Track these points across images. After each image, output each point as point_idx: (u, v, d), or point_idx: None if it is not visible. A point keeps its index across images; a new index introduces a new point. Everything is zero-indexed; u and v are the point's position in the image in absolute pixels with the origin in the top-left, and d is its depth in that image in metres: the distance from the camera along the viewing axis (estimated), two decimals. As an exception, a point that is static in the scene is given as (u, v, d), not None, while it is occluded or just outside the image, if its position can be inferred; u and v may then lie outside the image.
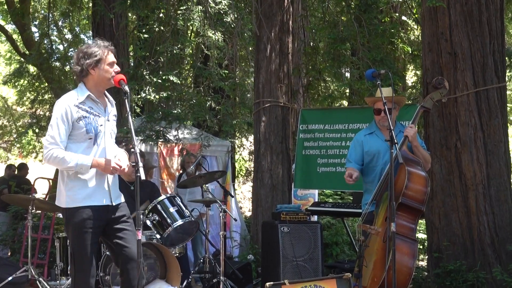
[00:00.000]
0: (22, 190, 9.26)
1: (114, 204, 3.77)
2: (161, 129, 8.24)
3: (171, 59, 8.22)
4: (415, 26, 10.51)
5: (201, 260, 6.04)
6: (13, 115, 18.42)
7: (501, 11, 6.10)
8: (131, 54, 11.37)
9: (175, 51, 8.07)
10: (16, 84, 14.78)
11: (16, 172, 10.77)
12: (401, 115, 5.88)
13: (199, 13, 8.01)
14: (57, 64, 11.92)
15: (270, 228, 6.16)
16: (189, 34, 10.44)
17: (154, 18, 8.18)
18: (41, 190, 9.83)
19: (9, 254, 8.52)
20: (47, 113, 13.85)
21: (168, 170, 9.21)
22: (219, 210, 5.75)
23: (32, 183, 9.66)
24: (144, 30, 8.22)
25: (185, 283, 5.72)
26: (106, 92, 3.86)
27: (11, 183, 9.83)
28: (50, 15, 12.20)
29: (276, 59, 7.98)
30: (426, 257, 6.89)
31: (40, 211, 7.16)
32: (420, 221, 5.77)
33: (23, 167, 11.11)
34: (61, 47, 13.47)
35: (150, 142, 8.49)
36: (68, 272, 5.28)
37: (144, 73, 7.84)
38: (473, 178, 5.73)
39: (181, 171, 7.93)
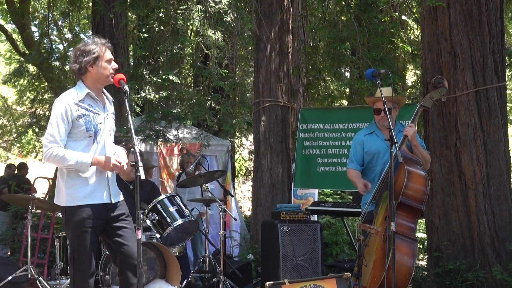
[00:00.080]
0: (22, 190, 9.26)
1: (113, 201, 3.77)
2: (161, 128, 8.25)
3: (171, 58, 8.23)
4: (415, 26, 10.51)
5: (201, 260, 6.04)
6: (13, 114, 18.45)
7: (501, 10, 6.10)
8: (131, 53, 11.37)
9: (175, 51, 8.07)
10: (16, 83, 14.80)
11: (16, 172, 10.78)
12: (401, 114, 5.89)
13: (199, 13, 8.02)
14: (57, 63, 11.93)
15: (270, 228, 6.16)
16: (189, 34, 10.44)
17: (154, 17, 8.19)
18: (41, 189, 9.83)
19: (9, 253, 8.52)
20: (47, 113, 13.86)
21: (168, 169, 9.22)
22: (219, 210, 5.75)
23: (32, 183, 9.66)
24: (144, 30, 8.22)
25: (184, 282, 5.72)
26: (104, 89, 3.86)
27: (11, 183, 9.84)
28: (50, 14, 12.21)
29: (276, 58, 7.98)
30: (426, 256, 6.89)
31: (40, 211, 7.16)
32: (420, 220, 5.78)
33: (23, 167, 11.12)
34: (61, 46, 13.49)
35: (150, 142, 8.49)
36: (68, 272, 5.28)
37: (144, 72, 7.84)
38: (473, 177, 5.73)
39: (180, 171, 7.93)
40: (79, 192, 3.64)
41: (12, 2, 13.15)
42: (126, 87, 3.66)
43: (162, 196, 5.54)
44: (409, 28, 10.79)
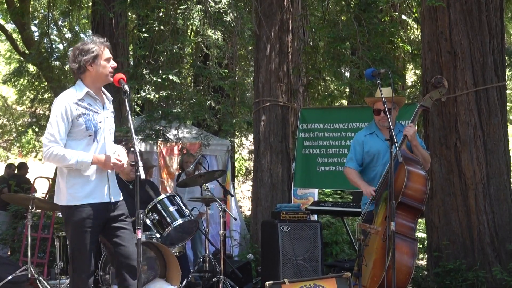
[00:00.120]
0: (22, 189, 9.26)
1: (113, 200, 3.77)
2: (161, 128, 8.24)
3: (171, 58, 8.23)
4: (415, 25, 10.51)
5: (201, 259, 6.03)
6: (13, 114, 18.45)
7: (501, 10, 6.10)
8: (131, 53, 11.37)
9: (175, 50, 8.07)
10: (16, 83, 14.80)
11: (16, 171, 10.78)
12: (401, 114, 5.88)
13: (199, 12, 8.02)
14: (57, 63, 11.94)
15: (270, 227, 6.16)
16: (189, 33, 10.44)
17: (154, 17, 8.18)
18: (41, 189, 9.84)
19: (9, 253, 8.51)
20: (47, 112, 13.86)
21: (168, 169, 9.21)
22: (219, 209, 5.74)
23: (32, 182, 9.67)
24: (144, 29, 8.22)
25: (184, 282, 5.72)
26: (103, 88, 3.86)
27: (11, 182, 9.83)
28: (50, 14, 12.20)
29: (275, 58, 7.97)
30: (426, 256, 6.88)
31: (40, 210, 7.15)
32: (419, 220, 5.77)
33: (23, 166, 11.12)
34: (60, 46, 13.49)
35: (150, 141, 8.49)
36: (68, 271, 5.28)
37: (144, 72, 7.84)
38: (472, 177, 5.73)
39: (180, 171, 7.93)
40: (80, 191, 3.64)
41: (12, 2, 13.15)
42: (126, 87, 3.66)
43: (162, 196, 5.53)
44: (409, 27, 10.79)
